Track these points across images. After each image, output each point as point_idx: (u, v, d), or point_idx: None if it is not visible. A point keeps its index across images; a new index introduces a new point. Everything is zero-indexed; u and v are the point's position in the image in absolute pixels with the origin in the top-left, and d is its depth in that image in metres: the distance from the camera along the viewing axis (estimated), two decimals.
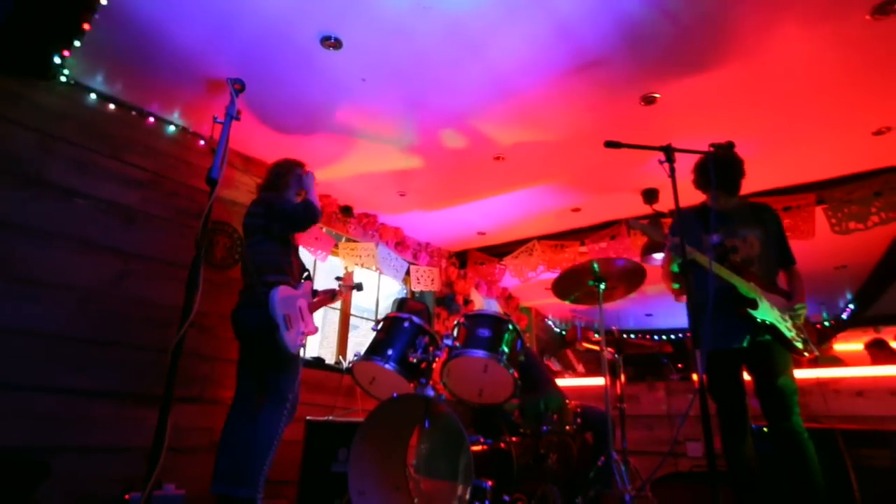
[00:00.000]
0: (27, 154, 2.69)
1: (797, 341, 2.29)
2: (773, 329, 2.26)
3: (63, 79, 2.87)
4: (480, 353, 2.33)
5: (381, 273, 5.11)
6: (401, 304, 5.22)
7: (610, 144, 1.92)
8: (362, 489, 2.24)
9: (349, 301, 4.86)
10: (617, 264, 2.66)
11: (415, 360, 2.48)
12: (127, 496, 2.54)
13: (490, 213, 4.74)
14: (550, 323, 8.19)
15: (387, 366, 2.45)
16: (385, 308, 5.30)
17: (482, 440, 2.32)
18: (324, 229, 4.39)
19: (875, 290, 5.96)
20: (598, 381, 4.38)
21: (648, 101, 3.04)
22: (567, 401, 2.97)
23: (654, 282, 2.78)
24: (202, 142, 3.43)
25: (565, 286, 2.69)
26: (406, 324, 2.60)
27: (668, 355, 5.79)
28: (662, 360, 5.19)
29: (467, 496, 2.17)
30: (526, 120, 3.31)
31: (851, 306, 6.64)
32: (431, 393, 2.32)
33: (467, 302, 5.77)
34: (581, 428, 2.93)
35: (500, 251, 5.42)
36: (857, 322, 6.58)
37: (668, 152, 2.07)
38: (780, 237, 2.48)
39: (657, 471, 2.91)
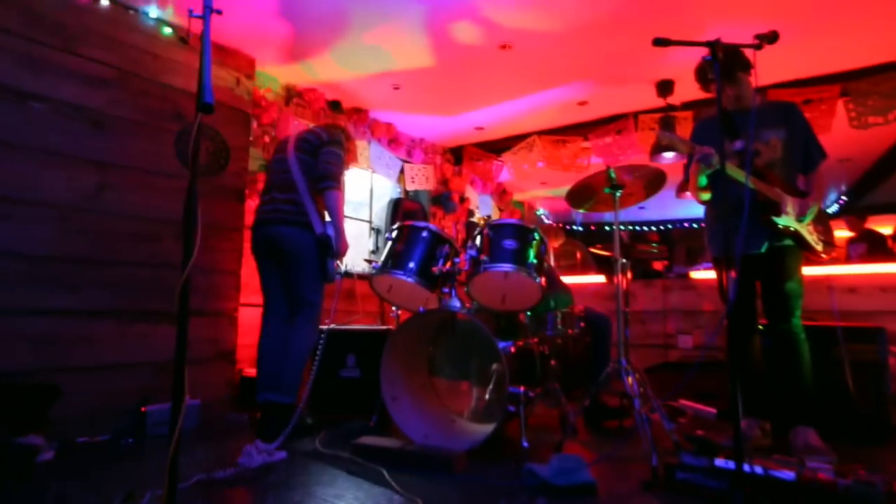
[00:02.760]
0: None
1: (818, 244, 2.32)
2: (795, 234, 2.26)
3: None
4: (508, 266, 2.31)
5: (373, 172, 4.88)
6: (396, 204, 5.06)
7: (659, 42, 1.66)
8: (394, 395, 2.36)
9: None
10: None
11: (437, 272, 2.44)
12: (143, 408, 2.59)
13: (489, 106, 4.41)
14: (541, 215, 8.18)
15: (409, 279, 2.44)
16: (379, 208, 5.14)
17: (511, 346, 2.36)
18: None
19: (870, 181, 5.96)
20: (597, 278, 4.44)
21: None
22: (573, 304, 3.00)
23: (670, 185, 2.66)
24: (168, 29, 2.98)
25: (579, 195, 2.55)
26: (424, 233, 2.52)
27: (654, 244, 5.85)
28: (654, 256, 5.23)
29: (490, 396, 2.36)
30: (536, 4, 2.92)
31: (843, 198, 6.68)
32: (457, 304, 2.39)
33: (462, 200, 5.63)
34: (584, 332, 2.98)
35: (497, 147, 5.17)
36: (845, 212, 6.67)
37: (714, 48, 1.81)
38: (805, 135, 2.37)
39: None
